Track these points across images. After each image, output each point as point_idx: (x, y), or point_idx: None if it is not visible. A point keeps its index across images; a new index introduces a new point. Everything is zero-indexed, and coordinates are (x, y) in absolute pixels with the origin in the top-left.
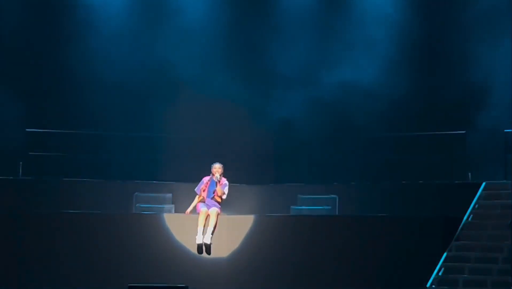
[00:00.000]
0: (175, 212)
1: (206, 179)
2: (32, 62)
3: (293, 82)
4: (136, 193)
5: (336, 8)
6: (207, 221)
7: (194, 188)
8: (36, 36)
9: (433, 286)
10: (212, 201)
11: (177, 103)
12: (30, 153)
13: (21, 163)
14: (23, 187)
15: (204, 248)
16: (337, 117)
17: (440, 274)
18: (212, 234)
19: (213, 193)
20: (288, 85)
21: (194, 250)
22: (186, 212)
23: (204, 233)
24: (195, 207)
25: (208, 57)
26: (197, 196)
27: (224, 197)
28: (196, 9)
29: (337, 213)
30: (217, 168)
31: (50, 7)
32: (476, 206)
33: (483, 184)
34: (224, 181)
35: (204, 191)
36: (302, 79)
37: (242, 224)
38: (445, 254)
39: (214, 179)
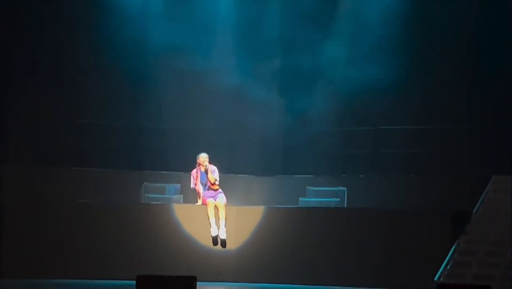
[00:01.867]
0: (184, 202)
1: (194, 172)
2: (32, 49)
3: (301, 74)
4: (144, 183)
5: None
6: (217, 213)
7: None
8: (36, 19)
9: (441, 279)
10: (210, 191)
11: (187, 93)
12: (37, 141)
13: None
14: (30, 176)
15: (219, 242)
16: (346, 110)
17: (448, 267)
18: (224, 226)
19: (206, 183)
20: (296, 77)
21: (202, 241)
22: (197, 189)
23: (217, 226)
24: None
25: (218, 46)
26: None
27: (217, 182)
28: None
29: (345, 205)
30: (203, 158)
31: None
32: (485, 199)
33: (492, 177)
34: (212, 167)
35: (196, 185)
36: (311, 71)
37: (251, 215)
38: (453, 248)
39: (201, 170)
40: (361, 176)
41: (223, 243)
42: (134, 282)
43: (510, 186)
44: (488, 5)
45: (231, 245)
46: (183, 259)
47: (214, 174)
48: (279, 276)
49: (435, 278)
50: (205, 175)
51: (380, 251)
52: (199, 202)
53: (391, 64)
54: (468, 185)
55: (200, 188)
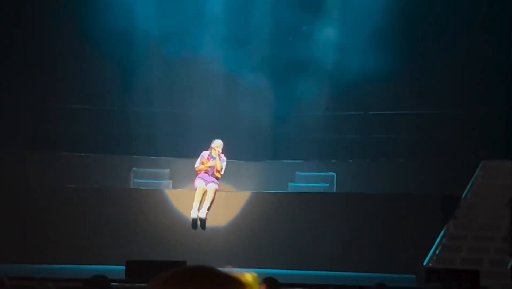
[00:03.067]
0: (173, 187)
1: (206, 154)
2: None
3: (291, 60)
4: (133, 168)
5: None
6: (204, 196)
7: (192, 164)
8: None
9: (430, 264)
10: (212, 177)
11: (177, 79)
12: (27, 126)
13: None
14: (20, 160)
15: (199, 222)
16: (336, 95)
17: (437, 252)
18: (208, 209)
19: (213, 168)
20: (286, 63)
21: (190, 226)
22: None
23: (200, 208)
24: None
25: (207, 33)
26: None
27: (222, 172)
28: None
29: (335, 190)
30: (218, 144)
31: None
32: (474, 184)
33: (481, 162)
34: (223, 157)
35: (204, 163)
36: (300, 57)
37: (240, 201)
38: (442, 233)
39: (213, 154)
40: (351, 161)
41: (203, 222)
42: (123, 267)
43: (499, 171)
44: None
45: (221, 230)
46: (172, 244)
47: (223, 163)
48: (268, 261)
49: (424, 263)
50: (214, 159)
51: (369, 236)
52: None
53: (381, 50)
54: (457, 170)
55: (206, 167)
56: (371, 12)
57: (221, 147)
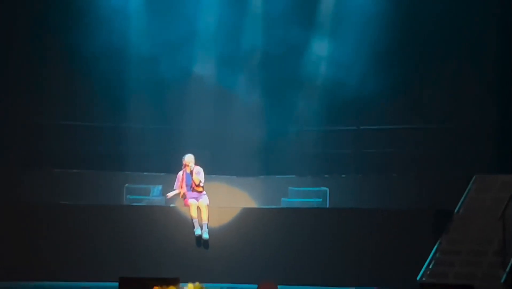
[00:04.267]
0: (166, 204)
1: (180, 175)
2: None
3: (283, 74)
4: (126, 185)
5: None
6: (200, 213)
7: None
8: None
9: (424, 278)
10: (195, 193)
11: (168, 95)
12: (19, 143)
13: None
14: (13, 177)
15: (203, 242)
16: (328, 110)
17: (430, 267)
18: (207, 227)
19: (191, 185)
20: (278, 77)
21: (185, 242)
22: (167, 195)
23: (200, 226)
24: (177, 195)
25: (199, 49)
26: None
27: (202, 184)
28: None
29: (327, 206)
30: (189, 159)
31: None
32: (467, 199)
33: (474, 176)
34: (197, 169)
35: (182, 187)
36: (292, 71)
37: (233, 216)
38: (435, 247)
39: (187, 171)
40: (343, 176)
41: (206, 243)
42: (116, 283)
43: (491, 185)
44: (472, 8)
45: (214, 246)
46: (165, 261)
47: (199, 175)
48: (261, 277)
49: (418, 278)
50: (190, 176)
51: (363, 251)
52: (172, 193)
53: (373, 65)
54: (449, 184)
55: (184, 189)
56: (364, 28)
57: (193, 160)
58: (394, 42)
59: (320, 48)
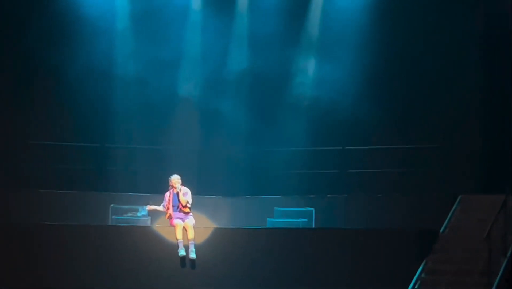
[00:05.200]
0: (151, 224)
1: (167, 195)
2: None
3: (268, 95)
4: (112, 205)
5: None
6: (185, 234)
7: None
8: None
9: None
10: (181, 213)
11: (154, 115)
12: (5, 164)
13: None
14: None
15: (189, 262)
16: (313, 130)
17: (416, 287)
18: (194, 247)
19: (178, 205)
20: (263, 98)
21: (170, 262)
22: (148, 207)
23: (185, 247)
24: (159, 210)
25: (184, 71)
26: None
27: (189, 205)
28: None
29: (313, 226)
30: (175, 179)
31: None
32: (452, 219)
33: (459, 197)
34: (185, 189)
35: (168, 208)
36: (278, 92)
37: (219, 237)
38: (421, 267)
39: (174, 191)
40: (329, 196)
41: (193, 263)
42: None
43: (477, 205)
44: (457, 27)
45: (199, 266)
46: (151, 281)
47: (186, 196)
48: None
49: None
50: (177, 197)
51: (348, 271)
52: (153, 207)
53: (358, 85)
54: (435, 205)
55: (171, 210)
56: (351, 51)
57: (179, 181)
58: (381, 64)
59: (306, 69)
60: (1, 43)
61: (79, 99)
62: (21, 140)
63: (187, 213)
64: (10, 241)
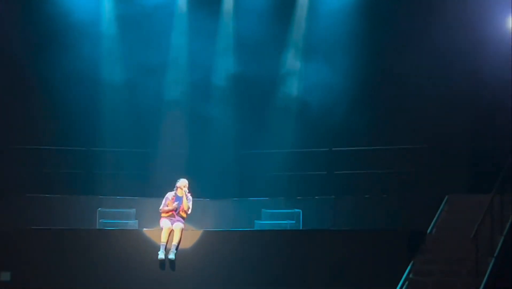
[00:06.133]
0: (139, 227)
1: (170, 195)
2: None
3: (256, 96)
4: (99, 208)
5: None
6: (171, 236)
7: (158, 203)
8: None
9: None
10: (178, 216)
11: (142, 118)
12: None
13: None
14: None
15: (168, 263)
16: (300, 131)
17: (404, 287)
18: (176, 249)
19: (179, 208)
20: (251, 100)
21: (157, 266)
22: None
23: (168, 248)
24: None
25: (171, 76)
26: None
27: (189, 212)
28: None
29: (301, 227)
30: (184, 183)
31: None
32: (440, 219)
33: (446, 197)
34: (189, 195)
35: (168, 206)
36: (265, 94)
37: (206, 239)
38: (408, 268)
39: (178, 193)
40: (316, 197)
41: (172, 264)
42: None
43: (464, 205)
44: (448, 31)
45: (187, 269)
46: (139, 284)
47: (189, 202)
48: None
49: None
50: (180, 199)
51: (336, 272)
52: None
53: (346, 86)
54: (422, 205)
55: (176, 205)
56: (337, 52)
57: (187, 185)
58: (368, 65)
59: (293, 71)
60: None
61: (66, 103)
62: (7, 145)
63: (182, 218)
64: None
